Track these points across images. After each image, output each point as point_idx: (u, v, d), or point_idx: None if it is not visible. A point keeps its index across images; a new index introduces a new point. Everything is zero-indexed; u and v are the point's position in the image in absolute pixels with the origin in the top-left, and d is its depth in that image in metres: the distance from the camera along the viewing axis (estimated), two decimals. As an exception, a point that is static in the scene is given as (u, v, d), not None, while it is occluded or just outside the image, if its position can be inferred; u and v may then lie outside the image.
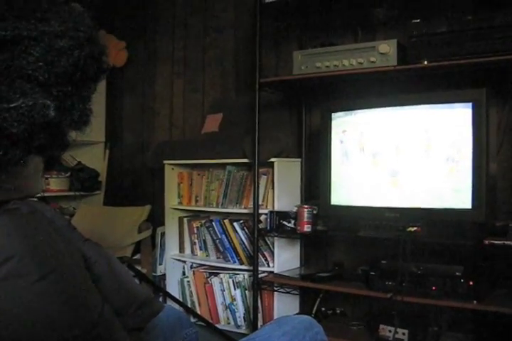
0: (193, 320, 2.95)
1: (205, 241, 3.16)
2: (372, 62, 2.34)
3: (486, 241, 2.10)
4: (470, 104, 2.14)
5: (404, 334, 2.29)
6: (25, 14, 0.73)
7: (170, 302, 3.10)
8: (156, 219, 3.35)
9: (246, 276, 2.95)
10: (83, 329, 0.73)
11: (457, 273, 2.20)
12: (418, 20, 2.25)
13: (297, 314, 2.86)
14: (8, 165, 0.75)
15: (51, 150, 0.83)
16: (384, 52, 2.31)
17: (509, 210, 2.45)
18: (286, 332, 1.31)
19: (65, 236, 0.79)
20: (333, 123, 2.53)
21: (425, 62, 2.21)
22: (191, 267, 3.19)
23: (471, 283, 2.16)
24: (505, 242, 2.07)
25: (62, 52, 0.76)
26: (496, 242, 2.09)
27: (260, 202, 2.80)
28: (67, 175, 3.62)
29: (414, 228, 2.25)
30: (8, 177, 0.79)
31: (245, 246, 2.94)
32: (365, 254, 2.72)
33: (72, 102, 0.80)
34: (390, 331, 2.32)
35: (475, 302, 2.13)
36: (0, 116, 0.70)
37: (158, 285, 3.19)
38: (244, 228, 2.96)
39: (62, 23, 0.76)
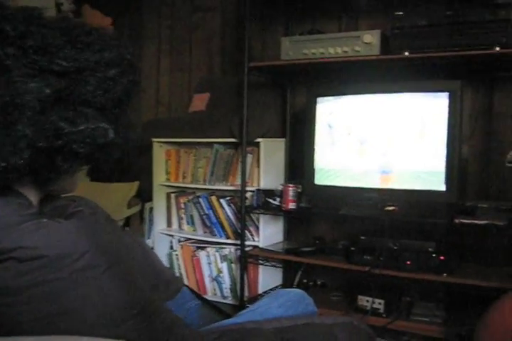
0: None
1: (192, 217, 3.31)
2: (357, 51, 2.48)
3: (457, 220, 2.30)
4: (446, 94, 2.30)
5: (380, 303, 2.49)
6: (85, 46, 0.86)
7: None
8: (144, 195, 3.47)
9: (232, 250, 3.11)
10: (141, 308, 0.89)
11: (430, 249, 2.41)
12: (401, 13, 2.38)
13: (280, 285, 3.06)
14: (67, 174, 0.90)
15: (101, 160, 0.97)
16: (368, 42, 2.45)
17: (478, 191, 2.65)
18: (283, 304, 1.48)
19: (114, 230, 0.95)
20: (321, 106, 2.67)
21: (406, 53, 2.36)
22: (179, 241, 3.34)
23: (442, 257, 2.37)
24: (474, 221, 2.27)
25: (114, 80, 0.89)
26: (465, 221, 2.29)
27: (246, 180, 2.95)
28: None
29: (392, 207, 2.44)
30: (63, 182, 0.94)
31: (231, 222, 3.10)
32: (346, 231, 2.91)
33: (120, 122, 0.94)
34: (367, 301, 2.52)
35: (445, 275, 2.34)
36: (69, 138, 0.83)
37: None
38: (231, 204, 3.11)
39: (110, 51, 0.90)
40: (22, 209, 0.85)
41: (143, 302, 0.90)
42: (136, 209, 3.42)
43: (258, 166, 2.98)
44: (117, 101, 0.91)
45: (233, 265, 3.11)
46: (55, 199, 0.98)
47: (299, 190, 2.76)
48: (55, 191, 0.98)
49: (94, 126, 0.86)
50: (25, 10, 0.90)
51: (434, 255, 2.38)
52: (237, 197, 3.02)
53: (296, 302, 1.51)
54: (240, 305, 2.92)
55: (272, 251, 2.89)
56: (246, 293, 2.99)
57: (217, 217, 3.14)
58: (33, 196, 0.93)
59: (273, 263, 2.94)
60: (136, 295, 0.89)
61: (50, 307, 0.81)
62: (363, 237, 2.57)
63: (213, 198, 3.16)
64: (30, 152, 0.81)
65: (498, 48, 2.19)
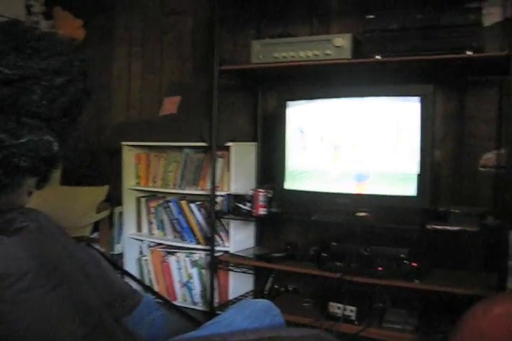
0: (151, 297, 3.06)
1: (162, 221, 3.25)
2: (328, 54, 2.44)
3: (429, 226, 2.27)
4: (418, 98, 2.28)
5: (352, 311, 2.45)
6: (34, 52, 0.81)
7: (128, 281, 3.20)
8: (114, 199, 3.40)
9: (202, 255, 3.06)
10: (88, 329, 0.83)
11: (402, 255, 2.37)
12: (372, 16, 2.35)
13: (251, 291, 3.01)
14: (11, 187, 0.84)
15: (46, 172, 0.91)
16: (339, 46, 2.42)
17: (451, 196, 2.63)
18: (249, 316, 1.43)
19: (64, 246, 0.89)
20: (292, 109, 2.63)
21: (378, 57, 2.33)
22: (149, 246, 3.28)
23: (414, 264, 2.34)
24: (446, 227, 2.25)
25: (61, 89, 0.83)
26: (438, 227, 2.27)
27: (216, 184, 2.90)
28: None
29: (363, 213, 2.41)
30: (7, 195, 0.88)
31: (202, 227, 3.05)
32: (317, 236, 2.87)
33: (67, 132, 0.88)
34: (338, 308, 2.47)
35: (417, 281, 2.31)
36: (9, 151, 0.77)
37: (116, 263, 3.26)
38: (201, 209, 3.05)
39: (59, 58, 0.84)
40: None
41: (92, 322, 0.85)
42: (105, 213, 3.34)
43: (229, 170, 2.94)
44: (65, 111, 0.86)
45: (203, 270, 3.06)
46: (4, 212, 0.92)
47: (270, 195, 2.72)
48: (3, 206, 0.92)
49: (38, 138, 0.81)
50: None
51: (406, 261, 2.35)
52: (207, 202, 2.97)
53: (263, 314, 1.47)
54: (210, 311, 2.87)
55: (243, 256, 2.84)
56: (216, 299, 2.94)
57: (188, 222, 3.09)
58: None
59: (244, 269, 2.89)
60: (84, 316, 0.84)
61: None
62: (334, 243, 2.53)
63: (183, 203, 3.11)
64: None
65: (469, 52, 2.18)
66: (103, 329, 0.87)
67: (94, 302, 0.88)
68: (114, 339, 0.90)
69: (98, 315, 0.87)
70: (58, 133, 0.86)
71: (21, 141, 0.78)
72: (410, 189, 2.31)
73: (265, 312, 1.48)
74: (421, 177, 2.28)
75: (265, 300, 1.56)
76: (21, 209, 0.94)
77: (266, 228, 3.11)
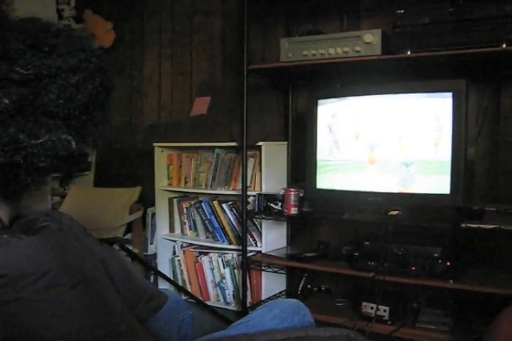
0: (184, 297, 3.07)
1: (194, 222, 3.26)
2: (357, 51, 2.41)
3: (463, 225, 2.22)
4: (451, 94, 2.23)
5: (385, 311, 2.42)
6: (51, 49, 0.80)
7: (161, 281, 3.22)
8: (147, 200, 3.43)
9: (235, 255, 3.06)
10: (109, 329, 0.83)
11: (435, 254, 2.33)
12: (402, 11, 2.31)
13: (284, 291, 2.99)
14: (32, 188, 0.84)
15: (68, 170, 0.91)
16: (369, 42, 2.38)
17: (486, 194, 2.57)
18: (277, 316, 1.42)
19: (87, 246, 0.89)
20: (323, 108, 2.60)
21: (408, 53, 2.28)
22: (181, 246, 3.29)
23: (448, 263, 2.29)
24: (481, 225, 2.19)
25: (77, 86, 0.83)
26: (472, 225, 2.21)
27: (248, 184, 2.89)
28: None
29: (396, 212, 2.37)
30: (32, 194, 0.88)
31: (234, 227, 3.05)
32: (349, 235, 2.84)
33: (87, 129, 0.88)
34: (372, 308, 2.44)
35: (451, 281, 2.26)
36: (29, 151, 0.78)
37: (149, 264, 3.28)
38: (233, 209, 3.06)
39: (76, 55, 0.83)
40: None
41: (112, 323, 0.84)
42: (138, 214, 3.38)
43: (260, 170, 2.93)
44: (83, 108, 0.86)
45: (236, 271, 3.06)
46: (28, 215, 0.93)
47: (301, 195, 2.70)
48: (27, 209, 0.92)
49: (56, 137, 0.80)
50: None
51: (440, 260, 2.30)
52: (239, 202, 2.96)
53: (291, 314, 1.45)
54: (243, 311, 2.86)
55: (275, 256, 2.83)
56: (249, 299, 2.93)
57: (220, 222, 3.10)
58: (3, 212, 0.88)
59: (276, 269, 2.88)
60: (104, 316, 0.83)
61: (11, 329, 0.75)
62: (366, 242, 2.50)
63: (215, 203, 3.12)
64: None
65: (504, 45, 2.11)
66: (125, 330, 0.87)
67: (116, 302, 0.87)
68: (137, 340, 0.90)
69: (120, 315, 0.87)
70: (77, 131, 0.85)
71: (40, 141, 0.78)
72: (443, 187, 2.26)
73: (294, 311, 1.46)
74: (454, 175, 2.23)
75: (294, 300, 1.55)
76: (45, 210, 0.95)
77: (298, 227, 3.09)
